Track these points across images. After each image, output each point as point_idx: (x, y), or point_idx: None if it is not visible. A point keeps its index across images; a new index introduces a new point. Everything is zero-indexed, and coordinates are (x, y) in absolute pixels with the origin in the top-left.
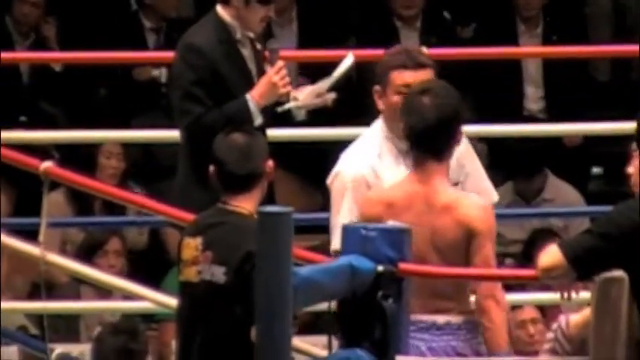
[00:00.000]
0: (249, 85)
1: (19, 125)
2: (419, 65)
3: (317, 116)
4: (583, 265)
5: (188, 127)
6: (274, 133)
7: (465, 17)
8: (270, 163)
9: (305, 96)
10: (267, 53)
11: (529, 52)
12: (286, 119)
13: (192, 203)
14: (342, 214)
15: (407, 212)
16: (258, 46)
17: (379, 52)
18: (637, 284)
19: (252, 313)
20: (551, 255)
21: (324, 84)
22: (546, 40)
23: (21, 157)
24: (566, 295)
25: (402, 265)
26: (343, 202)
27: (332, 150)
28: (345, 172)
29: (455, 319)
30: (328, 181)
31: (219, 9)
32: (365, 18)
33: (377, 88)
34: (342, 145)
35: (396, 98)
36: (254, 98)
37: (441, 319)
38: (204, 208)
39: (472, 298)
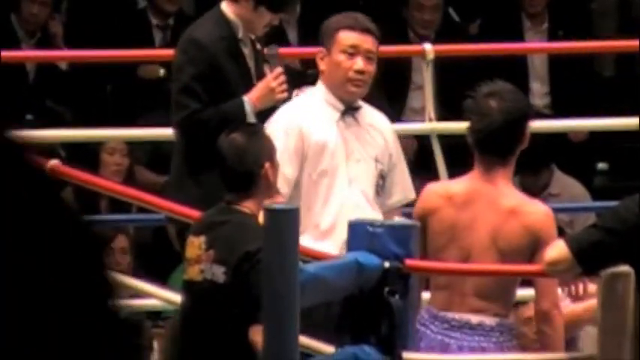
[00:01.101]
0: (248, 83)
1: (26, 124)
2: (366, 30)
3: None
4: (588, 259)
5: (183, 121)
6: None
7: (471, 14)
8: (269, 165)
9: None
10: (265, 51)
11: (534, 47)
12: None
13: (186, 198)
14: (279, 154)
15: (467, 208)
16: (259, 46)
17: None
18: None
19: (250, 313)
20: (557, 249)
21: None
22: (552, 36)
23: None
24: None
25: (409, 262)
26: (277, 145)
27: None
28: (281, 121)
29: (489, 320)
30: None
31: (224, 6)
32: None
33: (321, 49)
34: None
35: (340, 57)
36: (251, 100)
37: (474, 318)
38: (198, 204)
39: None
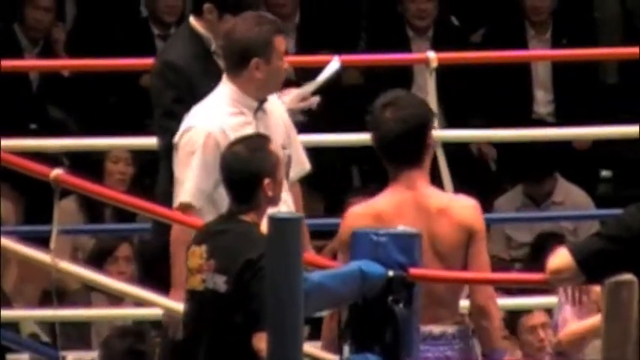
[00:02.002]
0: None
1: (30, 133)
2: (281, 28)
3: (319, 122)
4: (592, 267)
5: (168, 144)
6: None
7: (474, 22)
8: (268, 181)
9: (290, 100)
10: None
11: (538, 55)
12: None
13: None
14: (194, 168)
15: (398, 220)
16: None
17: (390, 57)
18: None
19: (253, 321)
20: (560, 258)
21: (309, 87)
22: (556, 44)
23: (31, 164)
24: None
25: (413, 270)
26: (193, 158)
27: (334, 156)
28: (195, 129)
29: (450, 328)
30: (176, 139)
31: (193, 21)
32: (376, 24)
33: (257, 60)
34: (345, 151)
35: (280, 63)
36: None
37: (436, 329)
38: None
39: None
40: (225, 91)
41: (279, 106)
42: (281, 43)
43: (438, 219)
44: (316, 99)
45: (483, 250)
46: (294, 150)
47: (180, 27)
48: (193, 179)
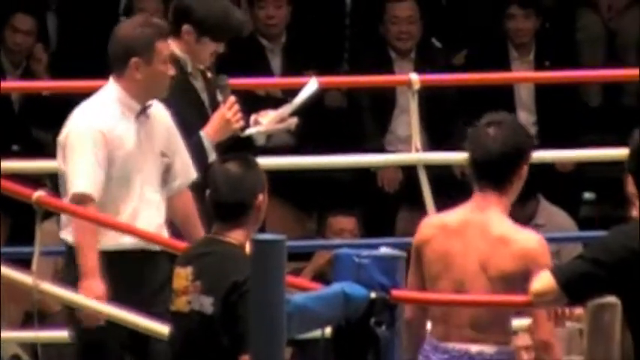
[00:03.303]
0: (204, 116)
1: (12, 154)
2: (167, 34)
3: (307, 143)
4: (575, 290)
5: None
6: (265, 161)
7: (457, 44)
8: (262, 197)
9: (268, 121)
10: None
11: (521, 77)
12: (247, 145)
13: None
14: (89, 163)
15: (459, 237)
16: (209, 75)
17: (373, 79)
18: (630, 310)
19: (239, 343)
20: (543, 280)
21: (287, 109)
22: (538, 66)
23: (14, 186)
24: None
25: (395, 292)
26: (86, 154)
27: (323, 177)
28: (85, 127)
29: (488, 349)
30: (62, 136)
31: (170, 42)
32: (359, 46)
33: (137, 59)
34: (332, 172)
35: (163, 67)
36: (208, 135)
37: (474, 348)
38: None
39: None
40: (110, 91)
41: (164, 112)
42: (164, 47)
43: (497, 246)
44: (294, 120)
45: None
46: (179, 158)
47: None
48: (90, 172)
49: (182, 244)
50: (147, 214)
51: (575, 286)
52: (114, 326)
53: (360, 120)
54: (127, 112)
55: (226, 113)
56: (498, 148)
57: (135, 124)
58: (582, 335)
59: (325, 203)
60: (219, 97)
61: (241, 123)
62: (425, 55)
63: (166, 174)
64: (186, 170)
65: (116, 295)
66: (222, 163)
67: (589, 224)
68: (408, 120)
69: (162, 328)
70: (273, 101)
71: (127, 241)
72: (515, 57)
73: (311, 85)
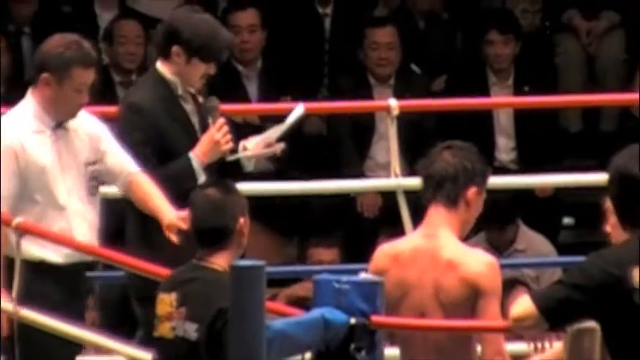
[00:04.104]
0: (193, 139)
1: None
2: (93, 64)
3: (287, 169)
4: (555, 315)
5: None
6: (246, 186)
7: (436, 69)
8: (243, 221)
9: (254, 146)
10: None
11: (500, 102)
12: (236, 170)
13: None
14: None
15: (412, 266)
16: (200, 100)
17: (352, 105)
18: (610, 335)
19: None
20: (523, 306)
21: (274, 133)
22: (517, 91)
23: None
24: (539, 345)
25: (375, 318)
26: None
27: (302, 202)
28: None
29: None
30: None
31: (160, 65)
32: (338, 72)
33: (47, 75)
34: (312, 198)
35: (73, 94)
36: (197, 157)
37: None
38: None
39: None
40: (27, 104)
41: (87, 119)
42: (81, 75)
43: (445, 271)
44: (281, 145)
45: (489, 308)
46: (111, 159)
47: (147, 72)
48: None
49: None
50: (76, 224)
51: (555, 311)
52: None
53: (339, 146)
54: (41, 126)
55: (215, 135)
56: (448, 166)
57: (51, 138)
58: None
59: (305, 228)
60: (210, 121)
61: (230, 145)
62: (404, 81)
63: (94, 183)
64: (122, 165)
65: (55, 308)
66: (202, 189)
67: (568, 249)
68: (388, 146)
69: (147, 356)
70: (250, 128)
71: (64, 252)
72: (494, 82)
73: (297, 110)
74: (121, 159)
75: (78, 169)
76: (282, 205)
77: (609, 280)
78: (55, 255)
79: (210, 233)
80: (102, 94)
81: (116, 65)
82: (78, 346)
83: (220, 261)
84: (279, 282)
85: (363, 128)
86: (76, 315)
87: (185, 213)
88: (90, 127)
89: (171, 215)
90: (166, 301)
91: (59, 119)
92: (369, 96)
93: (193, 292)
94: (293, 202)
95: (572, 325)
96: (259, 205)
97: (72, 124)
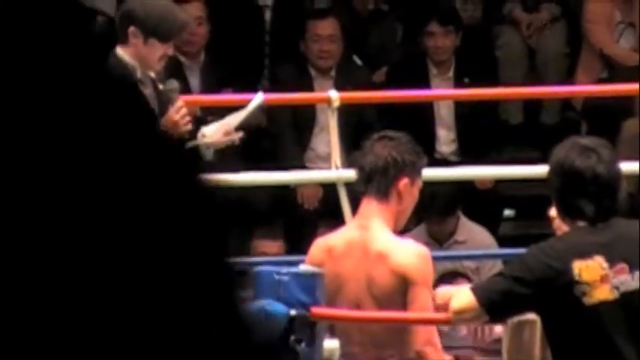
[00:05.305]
0: None
1: None
2: None
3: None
4: (495, 308)
5: None
6: None
7: (377, 61)
8: None
9: (213, 133)
10: (162, 87)
11: (441, 95)
12: (195, 159)
13: None
14: None
15: (345, 259)
16: (161, 86)
17: (292, 97)
18: (550, 327)
19: None
20: (463, 298)
21: (233, 121)
22: (458, 83)
23: None
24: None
25: (315, 310)
26: None
27: (241, 194)
28: None
29: None
30: None
31: (119, 50)
32: (278, 64)
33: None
34: (251, 189)
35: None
36: None
37: None
38: None
39: None
40: None
41: None
42: None
43: (376, 263)
44: (239, 134)
45: (419, 299)
46: None
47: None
48: None
49: None
50: None
51: (496, 303)
52: None
53: (279, 137)
54: None
55: (174, 116)
56: (378, 159)
57: None
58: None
59: (245, 220)
60: (169, 105)
61: (189, 127)
62: (345, 73)
63: None
64: None
65: None
66: None
67: (509, 241)
68: (328, 137)
69: None
70: (192, 120)
71: None
72: (435, 74)
73: (257, 99)
74: None
75: None
76: (220, 197)
77: (550, 273)
78: None
79: None
80: None
81: None
82: None
83: None
84: None
85: (303, 120)
86: None
87: None
88: None
89: None
90: None
91: None
92: (309, 87)
93: None
94: (231, 193)
95: (512, 318)
96: None
97: None
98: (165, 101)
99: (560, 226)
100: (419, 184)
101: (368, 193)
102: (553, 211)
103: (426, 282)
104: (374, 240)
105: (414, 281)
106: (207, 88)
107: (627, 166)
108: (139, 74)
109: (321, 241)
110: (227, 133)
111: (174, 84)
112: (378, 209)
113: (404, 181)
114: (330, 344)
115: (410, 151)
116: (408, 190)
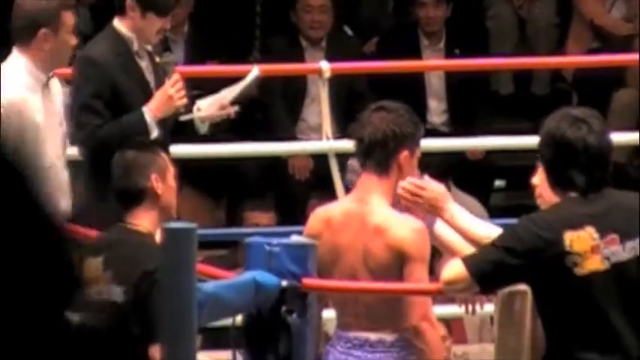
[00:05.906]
0: (147, 96)
1: None
2: (73, 4)
3: (218, 131)
4: (486, 278)
5: (84, 139)
6: (176, 149)
7: (368, 32)
8: (155, 177)
9: (208, 106)
10: (158, 59)
11: (432, 65)
12: (189, 132)
13: (94, 220)
14: None
15: (343, 231)
16: (157, 59)
17: (284, 67)
18: (541, 298)
19: (150, 332)
20: (454, 269)
21: (228, 94)
22: (449, 54)
23: None
24: (470, 308)
25: (306, 280)
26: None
27: (232, 165)
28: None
29: (389, 336)
30: None
31: (116, 22)
32: (269, 35)
33: (45, 30)
34: (242, 160)
35: (68, 37)
36: (151, 111)
37: (373, 336)
38: (106, 225)
39: None
40: (18, 63)
41: (57, 84)
42: (68, 17)
43: (373, 237)
44: (234, 108)
45: (415, 274)
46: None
47: (104, 29)
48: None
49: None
50: (60, 185)
51: (486, 274)
52: None
53: (271, 108)
54: (35, 84)
55: (169, 89)
56: (377, 131)
57: (41, 96)
58: (493, 322)
59: (236, 191)
60: (166, 77)
61: (184, 101)
62: (336, 44)
63: (68, 142)
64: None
65: None
66: (120, 151)
67: (499, 212)
68: (319, 108)
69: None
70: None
71: None
72: (426, 45)
73: (252, 73)
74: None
75: (57, 129)
76: (212, 168)
77: (541, 244)
78: None
79: (123, 193)
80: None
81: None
82: None
83: (144, 222)
84: (210, 244)
85: (294, 90)
86: None
87: None
88: (59, 90)
89: None
90: (92, 265)
91: (55, 68)
92: (300, 58)
93: (118, 255)
94: (223, 164)
95: (503, 288)
96: (189, 168)
97: (52, 84)
98: (161, 74)
99: (542, 194)
100: (418, 154)
101: (367, 166)
102: (536, 179)
103: (422, 258)
104: (372, 213)
105: (411, 257)
106: (193, 60)
107: (618, 137)
108: (135, 47)
109: (320, 211)
110: (222, 107)
111: (170, 56)
112: (377, 183)
113: (404, 154)
114: (327, 315)
115: (408, 122)
116: (408, 162)
